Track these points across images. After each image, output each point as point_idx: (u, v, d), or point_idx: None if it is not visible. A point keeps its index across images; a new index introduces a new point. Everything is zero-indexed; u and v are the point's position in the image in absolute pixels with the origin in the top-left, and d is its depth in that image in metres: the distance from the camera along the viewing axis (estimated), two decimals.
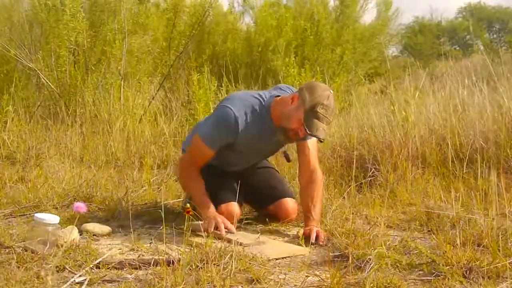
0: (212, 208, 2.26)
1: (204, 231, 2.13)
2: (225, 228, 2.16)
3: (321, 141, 2.27)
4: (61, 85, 4.95)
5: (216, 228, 2.16)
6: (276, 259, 1.96)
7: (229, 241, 2.02)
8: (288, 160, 2.51)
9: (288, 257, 1.99)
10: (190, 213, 1.99)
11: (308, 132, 2.14)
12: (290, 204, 2.50)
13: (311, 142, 2.37)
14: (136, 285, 1.64)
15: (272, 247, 2.08)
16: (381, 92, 5.12)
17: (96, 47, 5.16)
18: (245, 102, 2.29)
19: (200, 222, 2.17)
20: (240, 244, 2.00)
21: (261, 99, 2.31)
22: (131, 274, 1.75)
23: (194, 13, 5.84)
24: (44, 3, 5.23)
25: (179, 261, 1.71)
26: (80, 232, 2.20)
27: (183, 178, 2.49)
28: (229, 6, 6.78)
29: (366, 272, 1.70)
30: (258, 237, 2.15)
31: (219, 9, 6.70)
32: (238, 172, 2.47)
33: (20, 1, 5.78)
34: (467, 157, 3.01)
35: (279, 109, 2.26)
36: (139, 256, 1.98)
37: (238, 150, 2.34)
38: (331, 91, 2.19)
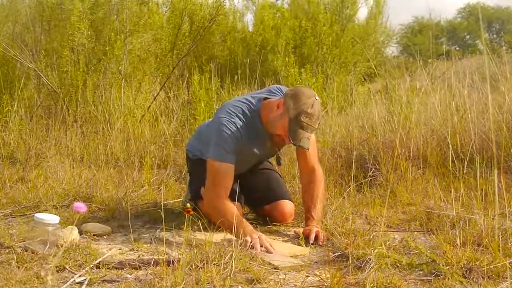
0: (247, 224, 2.14)
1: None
2: (261, 246, 2.02)
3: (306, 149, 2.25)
4: (62, 85, 4.95)
5: (252, 246, 2.01)
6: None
7: (264, 261, 1.89)
8: (279, 164, 2.50)
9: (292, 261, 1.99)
10: (191, 213, 1.99)
11: (292, 141, 2.15)
12: (287, 206, 2.50)
13: (311, 142, 2.37)
14: (136, 285, 1.64)
15: (278, 253, 2.02)
16: (381, 92, 5.12)
17: (97, 47, 5.15)
18: (236, 108, 2.29)
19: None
20: (275, 268, 1.85)
21: (250, 104, 2.31)
22: (131, 274, 1.75)
23: (200, 18, 5.85)
24: (49, 2, 5.22)
25: (179, 261, 1.71)
26: (80, 232, 2.20)
27: (214, 216, 2.21)
28: (229, 5, 6.75)
29: (366, 272, 1.70)
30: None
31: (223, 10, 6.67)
32: (239, 173, 2.48)
33: None
34: (467, 157, 3.01)
35: (266, 114, 2.27)
36: (139, 256, 1.98)
37: (237, 154, 2.34)
38: (317, 98, 2.18)
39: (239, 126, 2.24)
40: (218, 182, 2.22)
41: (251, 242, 2.01)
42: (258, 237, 2.05)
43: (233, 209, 2.16)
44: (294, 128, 2.13)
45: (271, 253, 1.99)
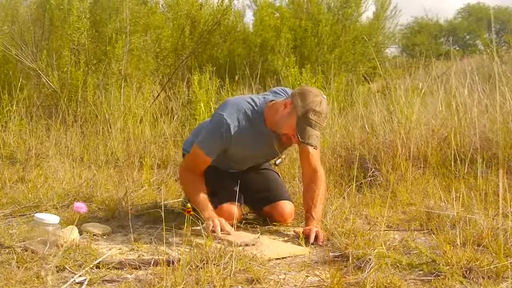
0: (210, 209, 2.24)
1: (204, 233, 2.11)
2: (221, 229, 2.14)
3: (314, 148, 2.26)
4: (62, 85, 4.95)
5: (214, 230, 2.13)
6: (277, 259, 1.96)
7: (228, 242, 1.99)
8: (275, 163, 2.51)
9: (288, 257, 1.99)
10: (191, 213, 1.99)
11: (300, 139, 2.15)
12: (287, 207, 2.50)
13: None
14: (136, 285, 1.64)
15: (272, 247, 2.08)
16: (382, 92, 5.12)
17: (97, 46, 5.15)
18: (238, 107, 2.29)
19: (199, 227, 2.14)
20: (237, 245, 1.96)
21: (253, 104, 2.32)
22: (131, 274, 1.75)
23: (205, 22, 5.87)
24: (51, 3, 5.23)
25: (179, 261, 1.71)
26: (80, 232, 2.20)
27: (183, 183, 2.48)
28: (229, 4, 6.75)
29: (366, 272, 1.70)
30: (258, 237, 2.14)
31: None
32: (238, 173, 2.48)
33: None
34: (468, 157, 3.01)
35: (272, 114, 2.27)
36: (139, 256, 1.98)
37: (235, 154, 2.35)
38: (324, 96, 2.19)
39: (236, 125, 2.24)
40: (194, 166, 2.35)
41: (213, 226, 2.12)
42: (219, 221, 2.16)
43: (201, 187, 2.30)
44: (302, 126, 2.13)
45: (230, 234, 2.12)
